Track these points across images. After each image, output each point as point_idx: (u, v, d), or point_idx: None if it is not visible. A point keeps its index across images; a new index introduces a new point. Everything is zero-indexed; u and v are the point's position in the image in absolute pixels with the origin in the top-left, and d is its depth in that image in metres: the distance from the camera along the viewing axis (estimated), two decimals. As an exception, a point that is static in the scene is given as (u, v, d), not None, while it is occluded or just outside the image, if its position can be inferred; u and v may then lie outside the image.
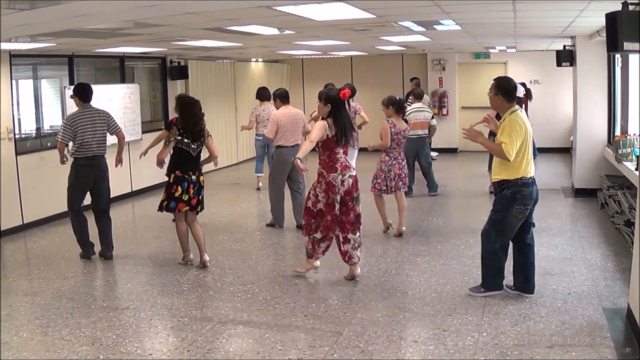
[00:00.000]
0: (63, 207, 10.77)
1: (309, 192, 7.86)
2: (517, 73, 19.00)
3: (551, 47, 15.24)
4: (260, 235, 10.34)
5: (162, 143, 8.53)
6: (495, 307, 6.77)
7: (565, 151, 18.05)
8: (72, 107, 9.74)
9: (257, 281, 7.92)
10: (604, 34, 6.83)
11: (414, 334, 6.23)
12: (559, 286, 7.39)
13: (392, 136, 9.76)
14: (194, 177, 8.38)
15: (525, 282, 7.09)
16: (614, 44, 6.61)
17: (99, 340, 6.23)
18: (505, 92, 6.82)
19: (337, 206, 7.64)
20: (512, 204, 6.78)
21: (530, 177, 6.83)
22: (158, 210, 8.59)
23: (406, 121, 12.09)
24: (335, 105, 7.62)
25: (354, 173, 7.76)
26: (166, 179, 8.53)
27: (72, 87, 9.49)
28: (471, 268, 8.05)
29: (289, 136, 10.26)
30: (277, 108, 10.70)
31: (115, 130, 9.27)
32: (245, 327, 6.49)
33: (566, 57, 12.53)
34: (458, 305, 6.84)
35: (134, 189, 13.83)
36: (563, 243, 9.21)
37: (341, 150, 7.70)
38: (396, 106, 9.86)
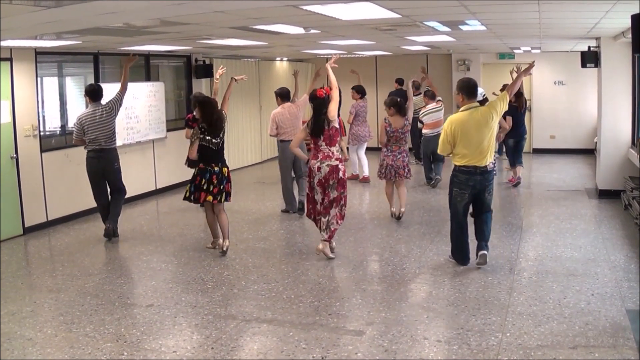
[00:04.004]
0: (87, 204, 10.95)
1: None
2: (542, 74, 18.96)
3: (576, 48, 15.14)
4: (285, 234, 10.37)
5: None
6: (518, 307, 6.77)
7: (589, 152, 17.95)
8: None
9: (282, 280, 7.96)
10: (629, 36, 6.81)
11: (438, 333, 6.22)
12: (583, 287, 7.36)
13: (389, 134, 10.79)
14: (216, 169, 8.93)
15: (478, 245, 8.15)
16: (639, 46, 6.58)
17: (123, 337, 6.28)
18: (463, 89, 7.88)
19: (315, 189, 8.63)
20: (451, 186, 8.07)
21: (472, 166, 7.77)
22: (184, 200, 9.17)
23: (421, 122, 13.91)
24: (313, 103, 8.93)
25: (333, 163, 8.60)
26: (190, 175, 9.20)
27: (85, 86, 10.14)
28: (495, 269, 8.06)
29: (290, 131, 11.21)
30: (279, 105, 11.55)
31: (119, 101, 10.02)
32: (269, 325, 6.51)
33: (591, 58, 12.44)
34: (482, 306, 6.83)
35: (158, 187, 13.88)
36: (587, 244, 9.17)
37: (323, 142, 8.61)
38: (397, 107, 10.86)
